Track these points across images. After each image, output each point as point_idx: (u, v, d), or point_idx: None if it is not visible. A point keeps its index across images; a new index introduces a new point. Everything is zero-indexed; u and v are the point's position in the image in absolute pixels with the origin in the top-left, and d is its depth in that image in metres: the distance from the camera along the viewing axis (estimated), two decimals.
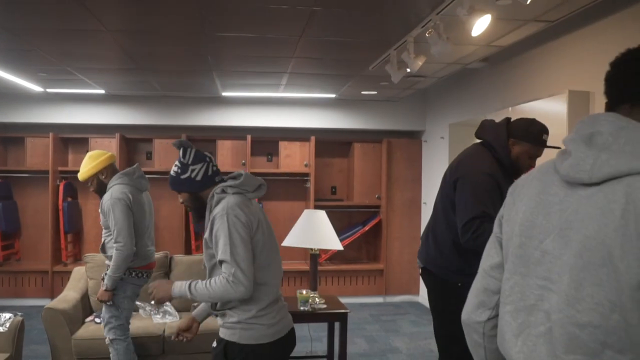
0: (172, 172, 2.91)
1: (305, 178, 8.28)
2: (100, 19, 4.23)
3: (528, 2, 2.80)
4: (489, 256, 1.61)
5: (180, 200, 2.94)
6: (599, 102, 4.24)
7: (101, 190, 4.20)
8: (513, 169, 3.17)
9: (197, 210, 2.88)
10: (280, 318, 2.81)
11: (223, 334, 2.77)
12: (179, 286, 2.71)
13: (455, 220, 3.10)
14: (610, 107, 1.47)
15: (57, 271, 7.63)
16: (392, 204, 8.25)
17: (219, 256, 2.63)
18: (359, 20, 4.22)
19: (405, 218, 8.29)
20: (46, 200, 7.76)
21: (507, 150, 3.14)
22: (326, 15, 4.07)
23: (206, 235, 2.74)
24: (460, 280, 3.14)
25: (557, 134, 3.41)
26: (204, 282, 2.67)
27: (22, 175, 7.96)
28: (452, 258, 3.16)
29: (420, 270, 3.45)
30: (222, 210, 2.67)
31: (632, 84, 1.43)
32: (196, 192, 2.86)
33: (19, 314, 4.41)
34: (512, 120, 3.29)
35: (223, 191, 2.77)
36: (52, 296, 7.46)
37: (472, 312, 1.64)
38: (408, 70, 5.10)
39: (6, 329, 4.20)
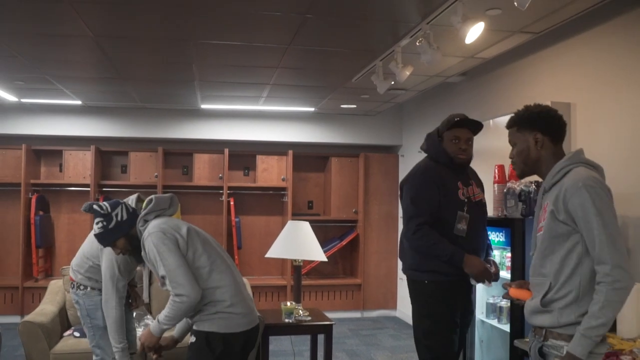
0: (98, 230, 3.17)
1: (282, 192, 8.24)
2: (87, 24, 4.17)
3: (526, 7, 2.84)
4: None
5: (118, 252, 3.22)
6: (580, 114, 4.34)
7: None
8: (449, 160, 3.45)
9: (137, 249, 3.09)
10: (251, 310, 3.08)
11: (201, 326, 2.95)
12: (154, 326, 2.96)
13: None
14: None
15: (28, 287, 7.39)
16: (369, 218, 8.26)
17: (159, 272, 2.88)
18: (349, 29, 4.24)
19: (382, 232, 8.30)
20: (17, 213, 7.53)
21: (441, 149, 3.46)
22: (318, 22, 4.08)
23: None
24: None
25: None
26: (164, 311, 2.91)
27: None
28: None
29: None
30: (146, 234, 2.95)
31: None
32: (128, 232, 3.13)
33: None
34: None
35: (145, 221, 3.04)
36: (22, 313, 7.24)
37: None
38: (392, 82, 5.15)
39: None
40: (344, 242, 8.18)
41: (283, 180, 8.10)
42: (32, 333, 4.45)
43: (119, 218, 3.15)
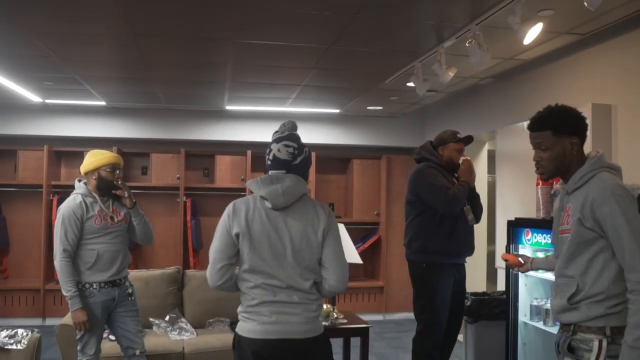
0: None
1: None
2: (128, 21, 4.13)
3: (597, 7, 2.80)
4: None
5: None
6: (622, 115, 4.29)
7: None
8: (450, 166, 4.11)
9: None
10: (276, 321, 2.62)
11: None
12: None
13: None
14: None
15: (50, 289, 7.31)
16: (391, 220, 8.21)
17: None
18: (394, 30, 4.20)
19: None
20: (37, 215, 7.47)
21: (439, 156, 4.11)
22: (364, 23, 4.03)
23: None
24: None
25: None
26: None
27: (11, 189, 7.67)
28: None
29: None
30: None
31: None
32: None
33: (36, 330, 4.21)
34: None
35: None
36: (44, 315, 7.19)
37: None
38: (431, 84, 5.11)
39: (24, 346, 4.00)
40: (366, 245, 8.13)
41: None
42: (69, 336, 4.39)
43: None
